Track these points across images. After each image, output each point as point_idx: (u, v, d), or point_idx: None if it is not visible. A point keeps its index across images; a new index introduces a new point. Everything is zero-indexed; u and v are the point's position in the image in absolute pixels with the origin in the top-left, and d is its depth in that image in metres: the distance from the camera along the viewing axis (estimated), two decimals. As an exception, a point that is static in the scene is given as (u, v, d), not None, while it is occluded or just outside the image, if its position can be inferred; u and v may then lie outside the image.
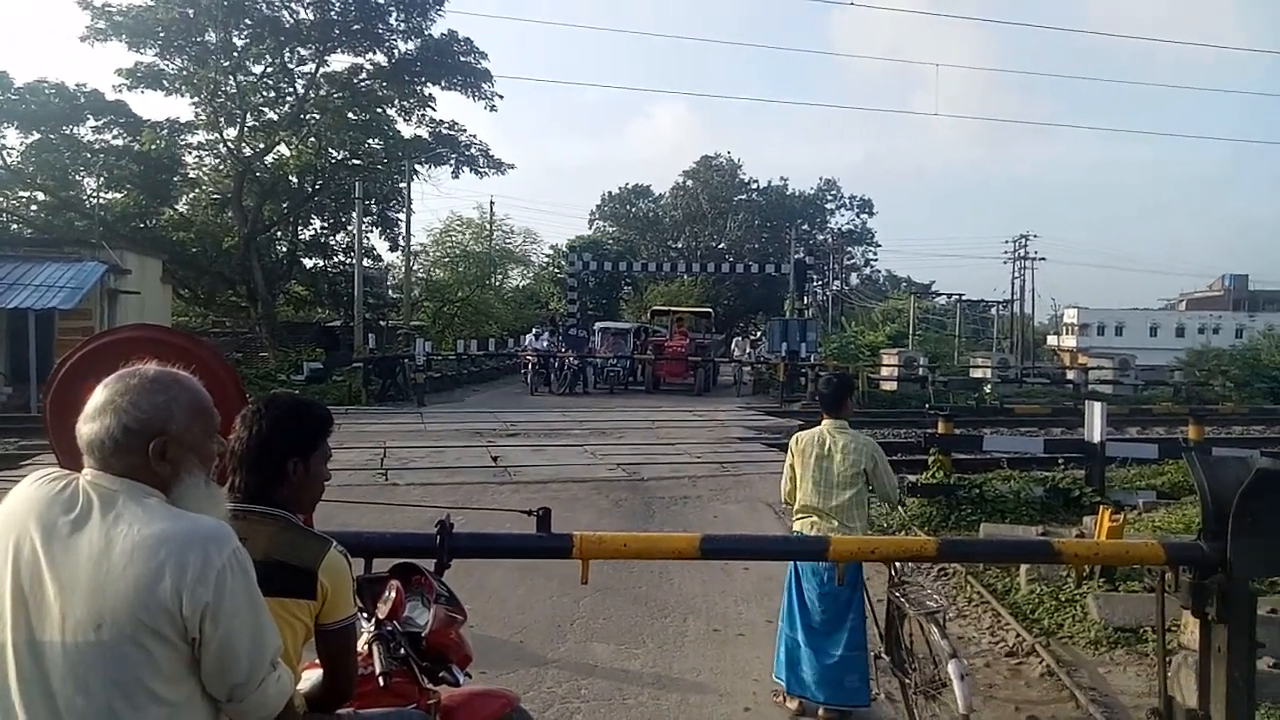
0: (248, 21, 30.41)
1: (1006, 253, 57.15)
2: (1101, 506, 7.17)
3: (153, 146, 30.38)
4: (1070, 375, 32.17)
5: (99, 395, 1.73)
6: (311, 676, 2.39)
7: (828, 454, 4.87)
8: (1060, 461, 10.94)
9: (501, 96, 33.85)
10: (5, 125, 29.60)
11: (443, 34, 32.57)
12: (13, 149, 30.35)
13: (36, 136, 30.06)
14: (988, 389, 26.93)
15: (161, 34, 29.60)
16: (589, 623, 6.13)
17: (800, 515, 4.96)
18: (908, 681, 4.54)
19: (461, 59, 32.92)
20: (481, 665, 4.60)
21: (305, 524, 2.33)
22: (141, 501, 1.66)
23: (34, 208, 32.28)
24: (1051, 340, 67.97)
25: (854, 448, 4.87)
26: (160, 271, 26.79)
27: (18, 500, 1.69)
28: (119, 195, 32.36)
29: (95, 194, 31.53)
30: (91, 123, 30.93)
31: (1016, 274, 56.50)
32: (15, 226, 30.99)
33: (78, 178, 31.98)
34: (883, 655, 4.80)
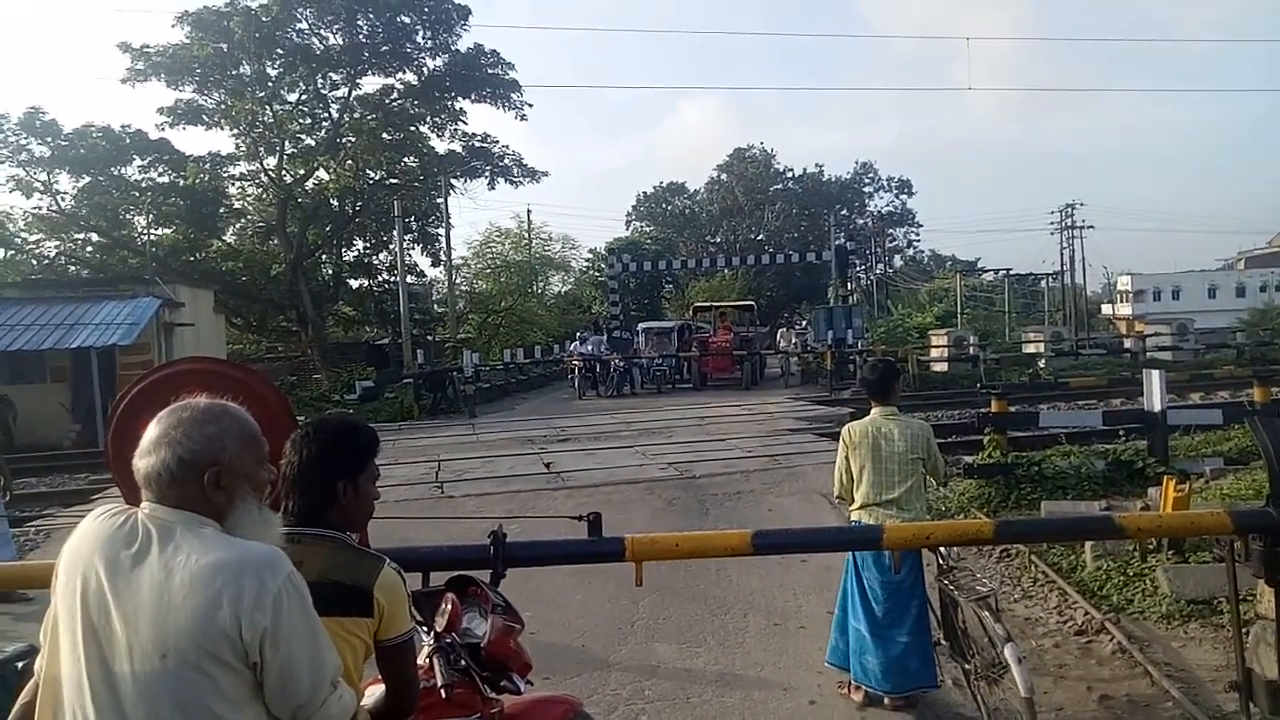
0: (279, 51, 31.03)
1: (1053, 223, 55.83)
2: (1165, 477, 6.99)
3: (197, 180, 31.20)
4: (1127, 344, 31.39)
5: (152, 430, 1.79)
6: (375, 693, 2.43)
7: (884, 445, 4.76)
8: (1121, 433, 10.69)
9: (531, 105, 34.13)
10: (58, 170, 30.61)
11: (469, 48, 32.93)
12: (66, 193, 31.43)
13: (87, 179, 31.06)
14: (1041, 364, 26.41)
15: (198, 70, 30.36)
16: (649, 624, 6.14)
17: (859, 508, 4.86)
18: (968, 667, 4.48)
19: (489, 71, 33.23)
20: (544, 672, 4.64)
21: (360, 543, 2.37)
22: (197, 532, 1.71)
23: (89, 249, 33.35)
24: (1106, 310, 66.29)
25: (910, 434, 4.79)
26: (212, 302, 27.46)
27: (82, 537, 1.76)
28: (168, 231, 33.28)
29: (146, 231, 32.45)
30: (138, 162, 31.86)
31: (1065, 244, 55.19)
32: (73, 268, 32.04)
33: (128, 216, 32.97)
34: (942, 641, 4.74)
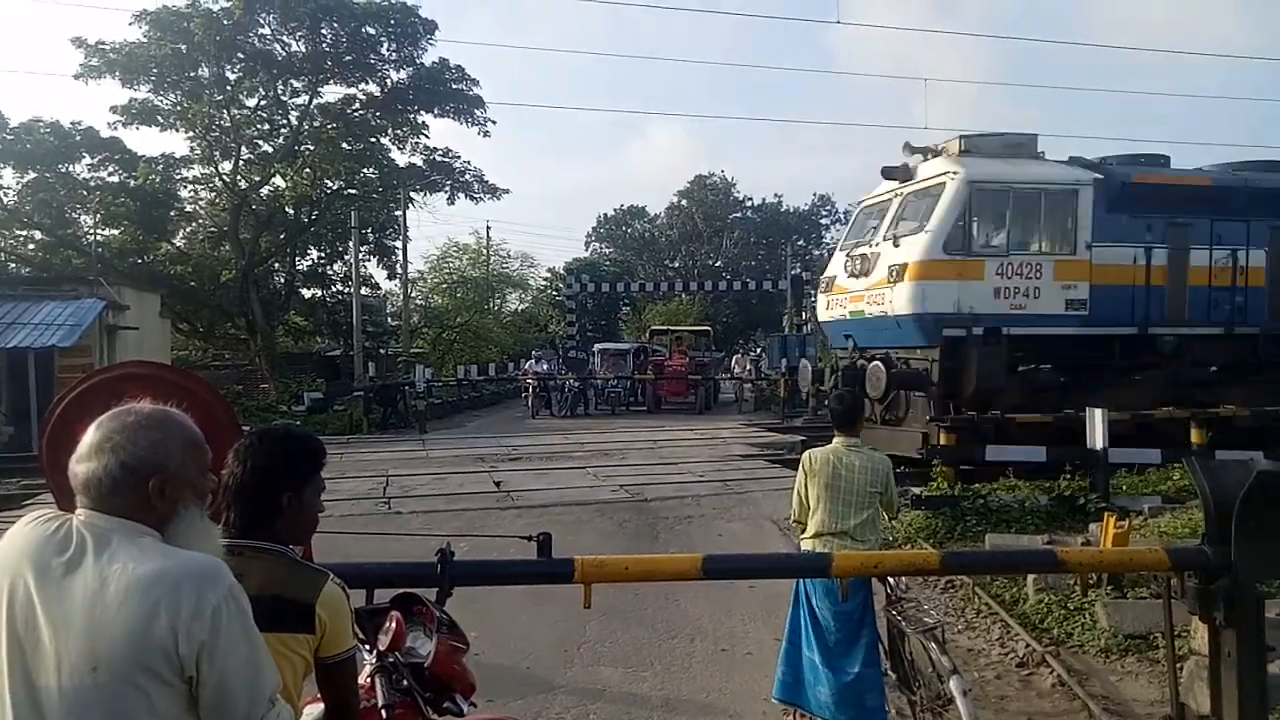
0: (240, 56, 30.60)
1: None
2: (1106, 513, 7.14)
3: (148, 181, 30.51)
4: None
5: (93, 434, 1.72)
6: (313, 712, 2.37)
7: (844, 475, 4.75)
8: (1068, 469, 10.93)
9: (494, 122, 34.01)
10: (1, 165, 29.75)
11: (434, 62, 32.79)
12: (9, 188, 30.49)
13: (33, 175, 30.17)
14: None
15: (155, 70, 29.77)
16: (595, 647, 6.09)
17: (812, 537, 4.86)
18: (914, 699, 4.51)
19: (453, 86, 33.10)
20: (488, 693, 4.56)
21: (304, 556, 2.32)
22: (135, 541, 1.65)
23: (31, 246, 32.37)
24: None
25: (870, 468, 4.78)
26: (159, 306, 26.80)
27: (12, 543, 1.68)
28: (116, 232, 32.46)
29: (92, 231, 31.62)
30: (87, 160, 31.05)
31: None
32: (13, 265, 31.06)
33: (74, 215, 32.07)
34: (889, 673, 4.76)
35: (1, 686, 1.58)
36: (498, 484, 12.58)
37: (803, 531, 4.99)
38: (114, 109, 30.54)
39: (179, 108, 30.76)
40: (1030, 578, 6.88)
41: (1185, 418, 11.58)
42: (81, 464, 1.70)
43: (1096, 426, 9.74)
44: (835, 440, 4.91)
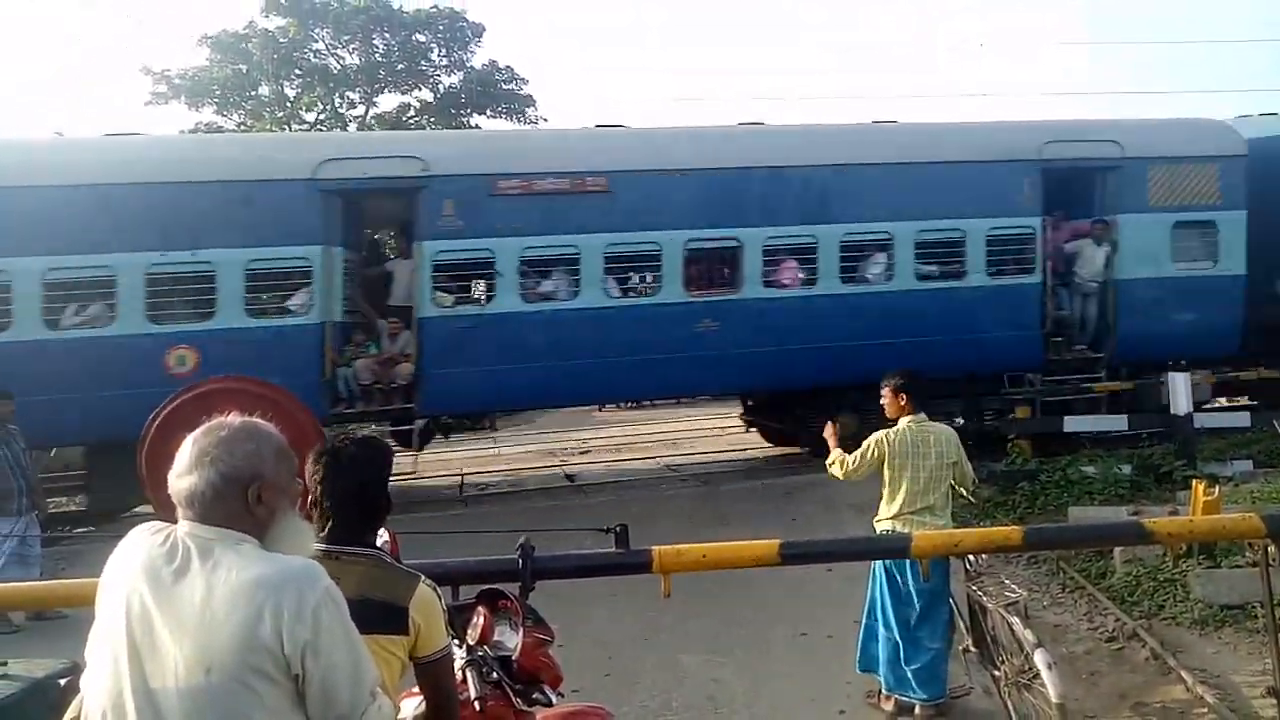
0: (297, 72, 31.34)
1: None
2: (1194, 481, 6.91)
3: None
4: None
5: (189, 450, 1.81)
6: (410, 705, 2.45)
7: (922, 451, 4.79)
8: (1143, 437, 10.60)
9: (546, 120, 34.21)
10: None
11: (484, 65, 33.11)
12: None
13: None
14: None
15: (218, 91, 30.71)
16: (675, 634, 6.13)
17: (892, 518, 4.86)
18: (998, 674, 4.46)
19: (504, 87, 33.40)
20: (571, 684, 4.63)
21: (391, 554, 2.40)
22: (235, 548, 1.73)
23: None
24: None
25: (944, 440, 4.82)
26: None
27: (124, 555, 1.79)
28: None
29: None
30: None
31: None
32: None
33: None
34: (971, 649, 4.72)
35: (124, 690, 1.67)
36: (570, 478, 12.71)
37: (878, 512, 4.98)
38: (181, 132, 31.59)
39: (242, 127, 31.66)
40: (1117, 550, 6.70)
41: (1276, 378, 11.14)
42: (182, 479, 1.79)
43: (1180, 390, 9.42)
44: (903, 421, 4.88)
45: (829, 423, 5.33)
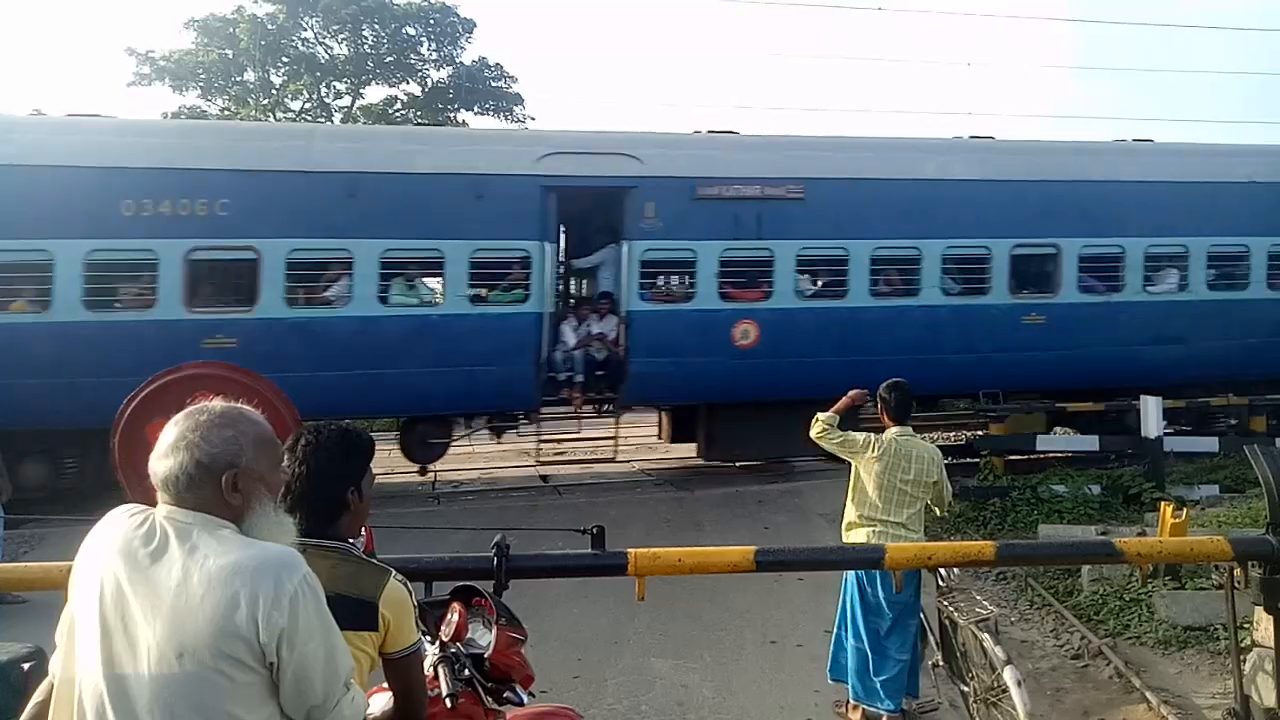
0: (284, 59, 31.10)
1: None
2: (1162, 503, 7.01)
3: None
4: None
5: (170, 433, 1.79)
6: (379, 700, 2.43)
7: (903, 465, 4.76)
8: (1113, 459, 10.72)
9: (534, 119, 34.14)
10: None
11: (474, 61, 33.02)
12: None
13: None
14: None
15: (203, 75, 30.40)
16: (645, 638, 6.13)
17: (858, 525, 4.85)
18: (966, 690, 4.49)
19: (493, 84, 33.32)
20: (542, 684, 4.61)
21: (365, 548, 2.37)
22: (215, 533, 1.71)
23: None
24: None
25: (926, 458, 4.80)
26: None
27: (100, 536, 1.76)
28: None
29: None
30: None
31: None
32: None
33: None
34: (940, 664, 4.75)
35: (97, 674, 1.65)
36: (544, 479, 12.66)
37: (844, 517, 4.97)
38: (164, 115, 31.25)
39: (226, 113, 31.35)
40: (1085, 570, 6.78)
41: (1243, 405, 11.31)
42: (161, 461, 1.77)
43: (1150, 414, 9.55)
44: (891, 431, 4.88)
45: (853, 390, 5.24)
